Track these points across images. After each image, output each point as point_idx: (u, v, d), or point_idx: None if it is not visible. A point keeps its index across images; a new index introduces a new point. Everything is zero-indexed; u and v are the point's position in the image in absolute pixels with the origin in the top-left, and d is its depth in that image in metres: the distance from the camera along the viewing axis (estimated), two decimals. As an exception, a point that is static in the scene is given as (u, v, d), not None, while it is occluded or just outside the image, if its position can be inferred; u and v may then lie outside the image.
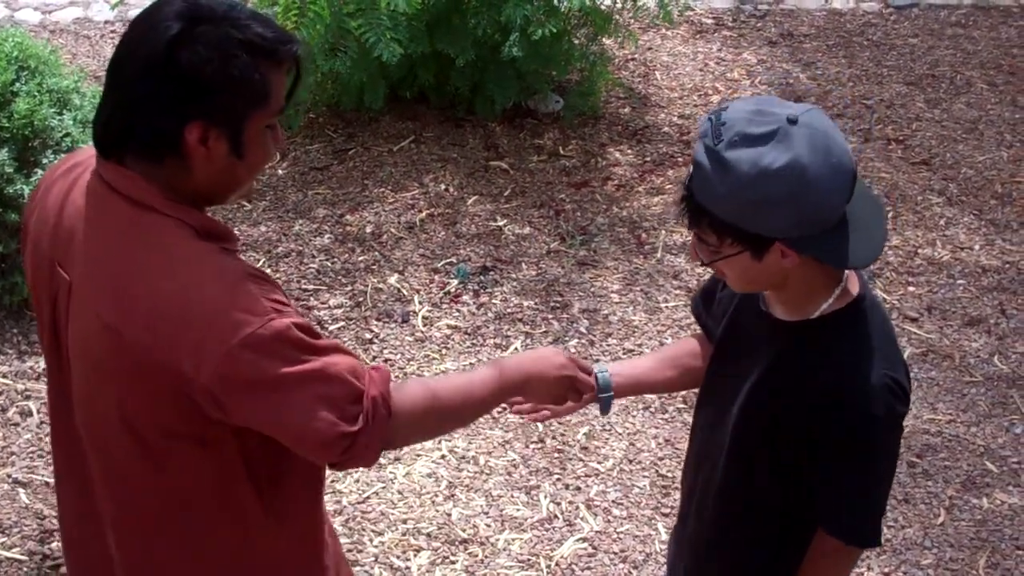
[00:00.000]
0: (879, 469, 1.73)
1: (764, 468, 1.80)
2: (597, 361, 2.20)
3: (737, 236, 1.62)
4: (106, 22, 6.28)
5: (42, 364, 3.76)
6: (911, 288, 4.29)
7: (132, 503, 1.69)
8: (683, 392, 3.74)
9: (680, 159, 5.00)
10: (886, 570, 3.16)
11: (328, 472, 3.35)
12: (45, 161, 3.83)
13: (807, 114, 1.59)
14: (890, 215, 4.70)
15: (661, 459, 3.50)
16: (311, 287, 4.16)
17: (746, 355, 1.80)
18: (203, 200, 1.64)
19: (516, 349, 3.91)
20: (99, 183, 1.61)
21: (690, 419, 3.59)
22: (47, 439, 3.48)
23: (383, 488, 3.37)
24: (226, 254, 1.62)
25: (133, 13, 6.45)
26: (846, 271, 1.70)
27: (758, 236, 1.61)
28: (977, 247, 4.54)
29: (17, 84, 3.89)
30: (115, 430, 1.62)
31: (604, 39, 5.34)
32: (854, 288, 1.72)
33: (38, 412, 3.59)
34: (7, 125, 3.80)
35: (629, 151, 5.06)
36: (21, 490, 3.33)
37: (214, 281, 1.55)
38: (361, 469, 3.42)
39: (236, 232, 4.38)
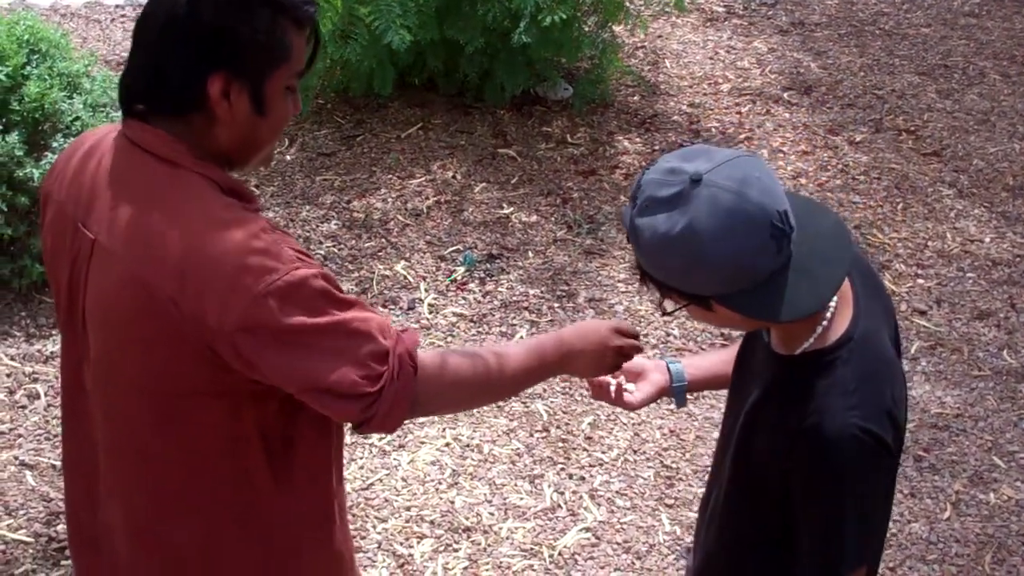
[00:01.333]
0: (841, 514, 1.63)
1: (764, 499, 1.76)
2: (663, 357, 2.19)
3: (675, 294, 1.61)
4: (116, 6, 6.28)
5: (50, 347, 3.77)
6: (920, 280, 4.27)
7: (141, 469, 1.68)
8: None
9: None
10: (891, 565, 3.16)
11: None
12: (55, 145, 3.83)
13: (719, 169, 1.53)
14: (900, 206, 4.68)
15: (665, 450, 3.50)
16: (318, 273, 4.16)
17: (749, 384, 1.78)
18: (227, 162, 1.66)
19: (521, 337, 3.90)
20: (125, 142, 1.62)
21: (695, 411, 3.60)
22: (55, 422, 3.50)
23: (387, 475, 3.37)
24: (250, 212, 1.63)
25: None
26: (829, 311, 1.64)
27: (692, 294, 1.59)
28: (987, 240, 4.51)
29: (28, 68, 3.89)
30: (132, 393, 1.62)
31: (614, 26, 5.31)
32: (841, 327, 1.65)
33: (45, 395, 3.61)
34: (18, 108, 3.80)
35: (638, 139, 5.04)
36: (28, 472, 3.34)
37: (241, 232, 1.55)
38: (365, 455, 3.42)
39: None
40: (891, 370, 1.67)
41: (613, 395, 2.03)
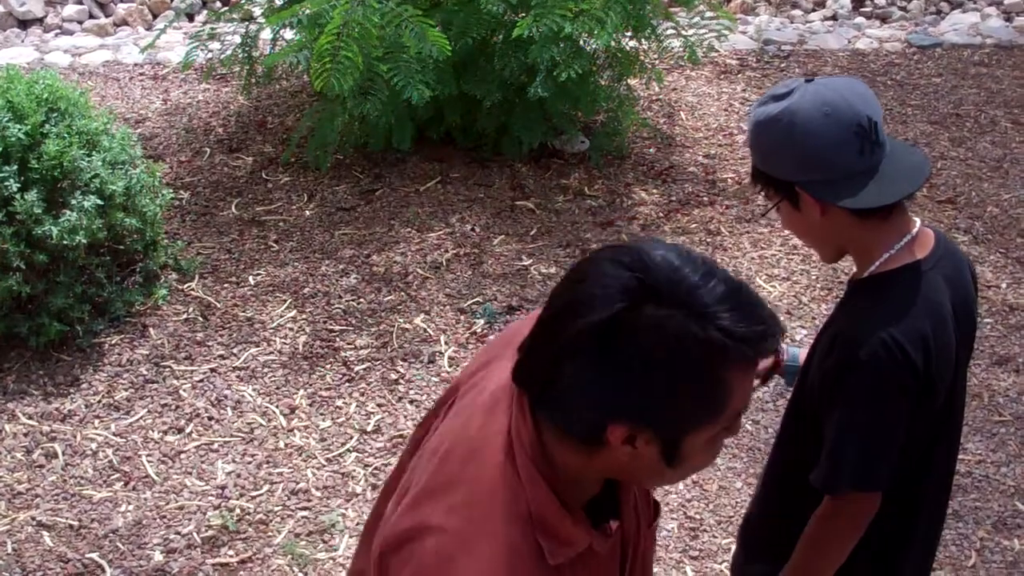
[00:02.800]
0: (853, 419, 1.78)
1: (808, 424, 1.89)
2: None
3: (772, 183, 1.82)
4: (135, 64, 6.36)
5: (68, 405, 3.77)
6: (940, 328, 4.25)
7: None
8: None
9: (705, 198, 5.00)
10: (919, 615, 3.11)
11: (353, 514, 3.33)
12: (73, 202, 3.86)
13: (833, 78, 1.80)
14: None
15: (689, 501, 3.47)
16: (337, 328, 4.17)
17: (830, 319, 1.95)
18: (578, 480, 1.37)
19: (542, 390, 3.89)
20: (503, 393, 1.42)
21: (718, 461, 3.57)
22: (72, 481, 3.49)
23: None
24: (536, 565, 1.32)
25: (162, 56, 6.53)
26: (908, 235, 1.81)
27: (785, 183, 1.80)
28: (1004, 286, 4.50)
29: (47, 125, 3.93)
30: None
31: (630, 80, 5.36)
32: (918, 254, 1.82)
33: (63, 454, 3.60)
34: (37, 166, 3.84)
35: (655, 191, 5.06)
36: (45, 533, 3.32)
37: None
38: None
39: (263, 273, 4.40)
40: (940, 315, 1.80)
41: None
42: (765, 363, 2.10)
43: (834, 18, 7.31)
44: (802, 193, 1.79)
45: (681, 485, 3.51)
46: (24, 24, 7.11)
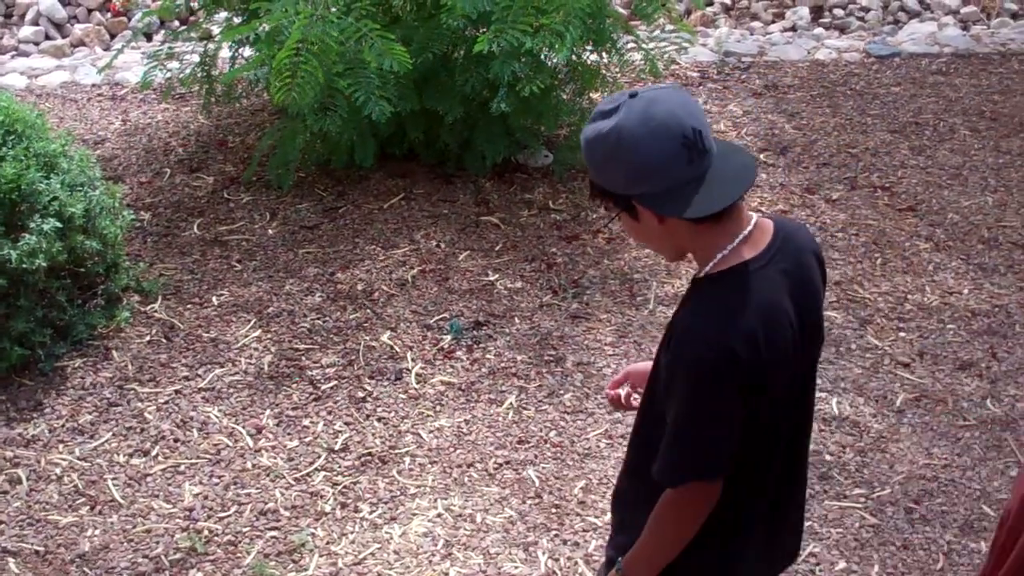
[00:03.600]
0: (686, 416, 1.88)
1: (648, 418, 2.03)
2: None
3: (604, 194, 1.91)
4: (93, 85, 6.31)
5: (31, 431, 3.72)
6: (902, 334, 4.29)
7: None
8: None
9: (669, 210, 5.02)
10: (889, 620, 3.13)
11: (323, 533, 3.31)
12: (32, 225, 3.82)
13: (651, 91, 1.86)
14: (879, 262, 4.72)
15: (659, 512, 3.47)
16: (303, 346, 4.14)
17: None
18: None
19: (511, 404, 3.89)
20: None
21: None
22: (37, 507, 3.44)
23: (379, 548, 3.33)
24: None
25: (121, 76, 6.50)
26: (739, 236, 1.90)
27: (622, 197, 1.88)
28: (966, 291, 4.55)
29: (4, 148, 3.89)
30: None
31: (592, 93, 5.38)
32: (748, 253, 1.90)
33: (27, 479, 3.55)
34: (-5, 190, 3.79)
35: (618, 203, 5.07)
36: (11, 559, 3.27)
37: None
38: (356, 529, 3.38)
39: (226, 293, 4.38)
40: (772, 311, 1.89)
41: (626, 403, 2.27)
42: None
43: (793, 29, 7.38)
44: (638, 205, 1.87)
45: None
46: (-20, 47, 7.04)
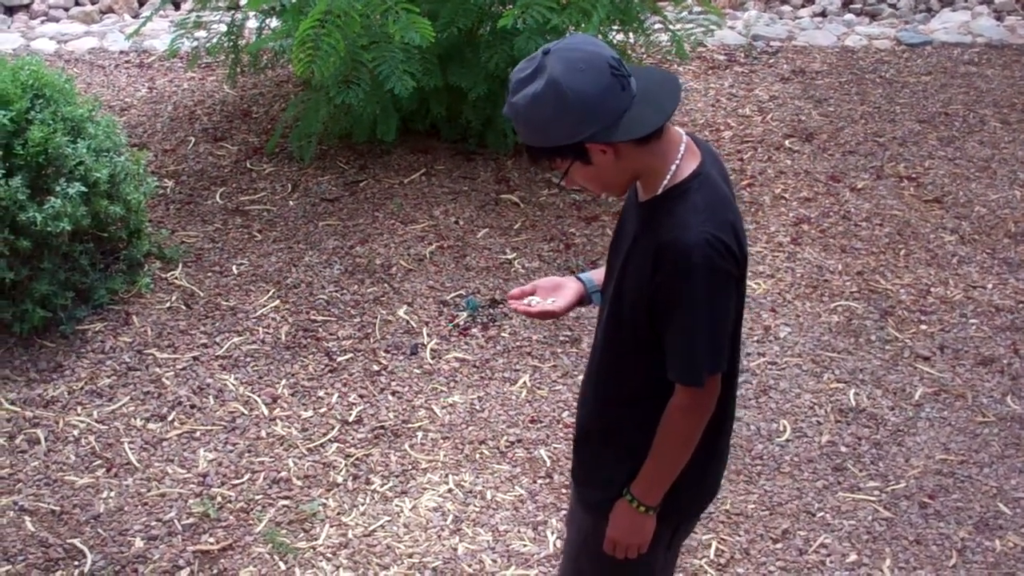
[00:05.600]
0: (699, 315, 1.97)
1: (631, 336, 2.07)
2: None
3: (558, 153, 1.96)
4: (120, 52, 6.33)
5: (51, 392, 3.75)
6: (923, 327, 4.26)
7: None
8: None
9: (691, 194, 4.99)
10: (897, 612, 3.12)
11: (334, 504, 3.33)
12: (58, 188, 3.84)
13: (561, 41, 1.95)
14: (902, 253, 4.68)
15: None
16: (320, 318, 4.15)
17: (623, 240, 2.13)
18: None
19: (524, 383, 3.89)
20: None
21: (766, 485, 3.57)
22: (54, 467, 3.48)
23: (389, 521, 3.34)
24: None
25: (148, 44, 6.51)
26: (682, 144, 2.01)
27: (570, 146, 1.94)
28: (990, 286, 4.51)
29: (32, 112, 3.91)
30: None
31: (616, 74, 5.34)
32: (690, 168, 2.01)
33: (45, 440, 3.58)
34: (21, 152, 3.81)
35: (640, 186, 5.05)
36: (27, 518, 3.31)
37: None
38: (367, 501, 3.39)
39: (246, 262, 4.39)
40: (731, 204, 2.04)
41: (533, 310, 2.32)
42: (568, 298, 2.31)
43: (823, 15, 7.31)
44: (592, 147, 1.94)
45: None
46: (10, 10, 7.06)
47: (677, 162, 2.01)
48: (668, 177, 2.00)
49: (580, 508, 2.33)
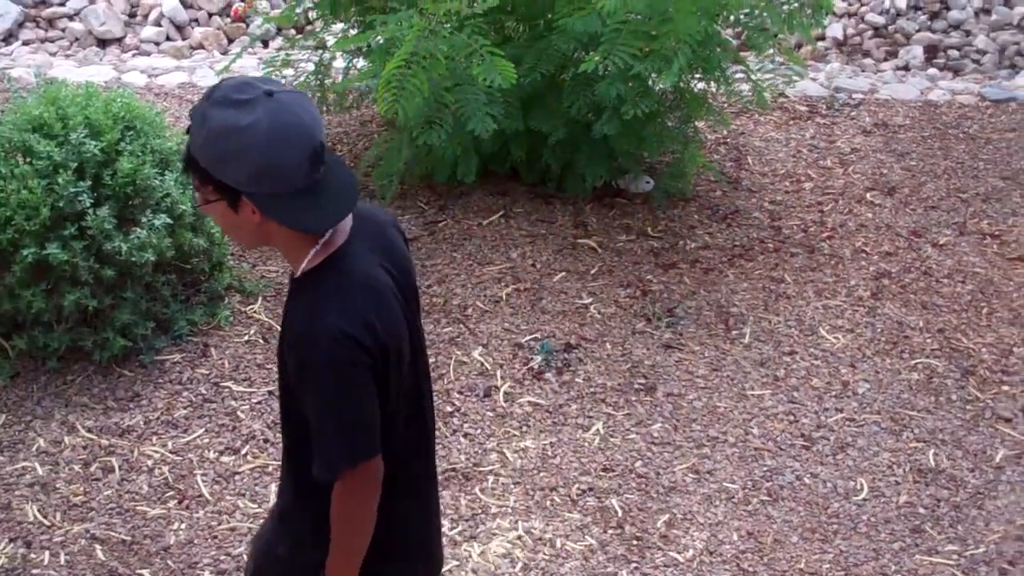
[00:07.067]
0: (330, 411, 1.94)
1: (291, 418, 2.07)
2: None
3: (212, 183, 1.91)
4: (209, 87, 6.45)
5: (127, 420, 3.80)
6: (1005, 387, 4.16)
7: None
8: (767, 485, 3.66)
9: (770, 244, 4.95)
10: None
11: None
12: (144, 219, 3.91)
13: (287, 93, 1.89)
14: (984, 311, 4.59)
15: (743, 552, 3.41)
16: (395, 356, 4.17)
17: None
18: None
19: (598, 431, 3.86)
20: None
21: (774, 513, 3.52)
22: (127, 496, 3.52)
23: (457, 566, 3.32)
24: None
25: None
26: (326, 234, 1.97)
27: (229, 188, 1.89)
28: (1076, 349, 4.40)
29: (122, 144, 3.99)
30: None
31: (697, 122, 5.33)
32: (339, 240, 1.99)
33: (120, 468, 3.63)
34: (110, 183, 3.90)
35: (718, 234, 5.02)
36: (98, 546, 3.35)
37: None
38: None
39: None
40: (377, 285, 2.00)
41: None
42: None
43: (906, 68, 7.23)
44: (246, 201, 1.90)
45: (735, 536, 3.46)
46: (103, 43, 7.25)
47: (319, 245, 1.97)
48: (307, 259, 1.98)
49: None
